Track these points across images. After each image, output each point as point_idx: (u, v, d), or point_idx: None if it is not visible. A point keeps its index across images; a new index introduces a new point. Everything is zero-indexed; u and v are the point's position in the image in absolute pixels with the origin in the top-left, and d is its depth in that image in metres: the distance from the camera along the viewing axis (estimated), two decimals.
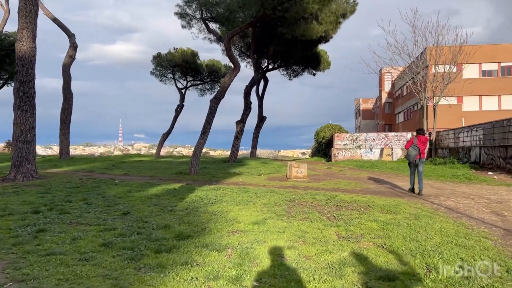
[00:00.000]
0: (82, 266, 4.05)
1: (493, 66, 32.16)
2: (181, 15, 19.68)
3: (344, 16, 18.99)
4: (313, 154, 38.97)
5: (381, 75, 48.14)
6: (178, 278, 3.77)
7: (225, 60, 34.51)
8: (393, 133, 25.79)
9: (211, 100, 16.93)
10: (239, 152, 26.24)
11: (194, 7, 19.25)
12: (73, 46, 24.77)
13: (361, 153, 24.66)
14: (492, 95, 31.86)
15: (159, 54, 31.70)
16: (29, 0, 12.35)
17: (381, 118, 49.74)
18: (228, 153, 25.80)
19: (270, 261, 4.30)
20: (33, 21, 12.60)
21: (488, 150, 17.67)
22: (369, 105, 58.80)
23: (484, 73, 32.40)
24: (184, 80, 33.68)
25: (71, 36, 24.71)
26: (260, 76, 26.23)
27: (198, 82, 34.58)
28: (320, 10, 16.90)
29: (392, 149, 24.41)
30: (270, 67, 29.18)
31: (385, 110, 49.28)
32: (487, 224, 6.25)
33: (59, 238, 5.16)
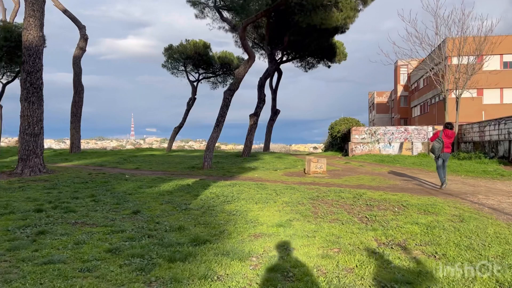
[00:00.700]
0: (83, 279, 3.43)
1: None
2: (194, 3, 18.94)
3: (366, 2, 17.92)
4: (326, 149, 37.98)
5: (396, 68, 46.78)
6: None
7: (237, 52, 33.88)
8: (413, 127, 24.68)
9: (225, 92, 16.27)
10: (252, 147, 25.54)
11: None
12: (84, 38, 24.28)
13: (379, 147, 23.69)
14: None
15: (170, 46, 31.00)
16: None
17: (397, 111, 48.40)
18: (240, 147, 25.20)
19: (305, 275, 3.60)
20: (40, 9, 12.08)
21: None
22: (383, 99, 57.33)
23: (506, 64, 30.96)
24: (196, 72, 32.97)
25: (81, 27, 24.22)
26: (274, 67, 25.39)
27: (210, 75, 33.84)
28: None
29: (412, 143, 23.36)
30: (284, 58, 28.31)
31: (400, 104, 47.93)
32: None
33: (60, 242, 4.56)
